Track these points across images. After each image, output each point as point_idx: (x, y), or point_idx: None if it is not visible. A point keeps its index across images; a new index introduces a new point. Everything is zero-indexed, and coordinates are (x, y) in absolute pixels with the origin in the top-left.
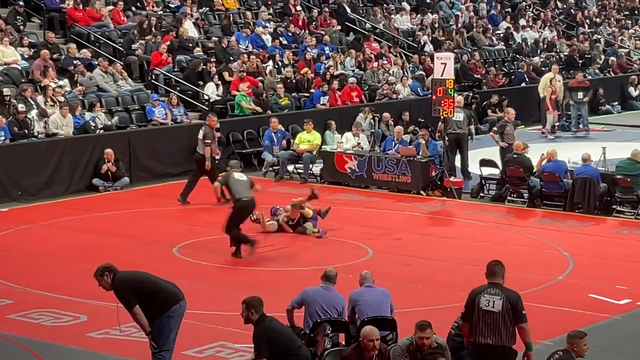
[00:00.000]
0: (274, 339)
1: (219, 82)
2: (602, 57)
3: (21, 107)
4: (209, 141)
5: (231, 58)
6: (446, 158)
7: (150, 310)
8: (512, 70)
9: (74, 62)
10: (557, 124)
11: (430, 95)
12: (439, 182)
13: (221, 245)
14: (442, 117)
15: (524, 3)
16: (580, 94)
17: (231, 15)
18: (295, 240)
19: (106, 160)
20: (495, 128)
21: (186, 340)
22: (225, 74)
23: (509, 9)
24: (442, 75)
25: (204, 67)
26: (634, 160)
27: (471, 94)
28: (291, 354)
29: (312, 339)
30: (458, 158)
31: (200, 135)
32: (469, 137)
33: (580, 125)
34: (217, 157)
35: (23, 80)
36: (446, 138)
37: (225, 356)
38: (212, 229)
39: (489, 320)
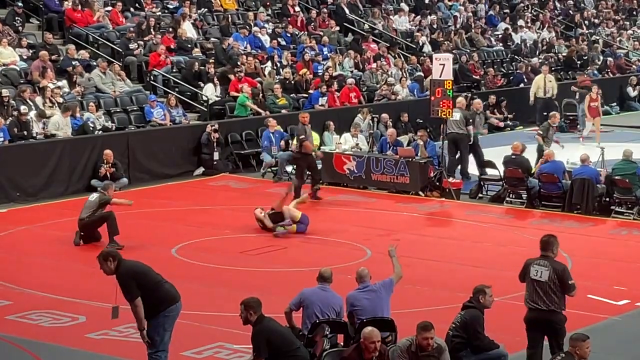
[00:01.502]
0: (272, 339)
1: (217, 83)
2: (601, 58)
3: (23, 108)
4: (303, 136)
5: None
6: (448, 159)
7: (148, 306)
8: (510, 71)
9: (73, 63)
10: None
11: (428, 96)
12: (437, 183)
13: (219, 246)
14: (444, 119)
15: (522, 4)
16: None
17: (229, 16)
18: (293, 241)
19: (105, 161)
20: (540, 132)
21: (185, 341)
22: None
23: (508, 10)
24: (440, 76)
25: (202, 67)
26: (629, 160)
27: (469, 95)
28: (290, 354)
29: (310, 340)
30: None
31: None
32: (469, 138)
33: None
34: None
35: (22, 81)
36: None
37: (224, 357)
38: (211, 230)
39: (538, 287)
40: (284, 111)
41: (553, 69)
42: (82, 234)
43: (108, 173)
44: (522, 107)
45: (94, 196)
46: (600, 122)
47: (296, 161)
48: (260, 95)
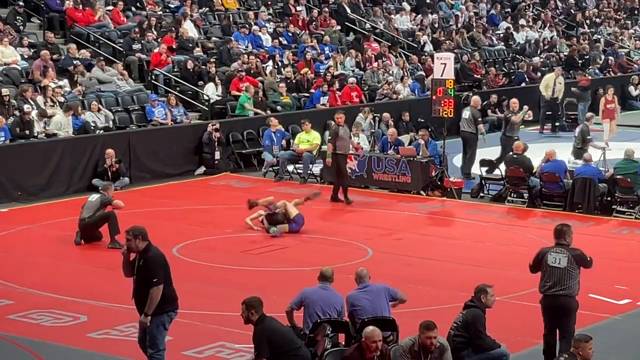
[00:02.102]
0: (273, 339)
1: (219, 82)
2: (602, 57)
3: (27, 107)
4: (331, 138)
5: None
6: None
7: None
8: (512, 70)
9: (74, 62)
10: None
11: (430, 96)
12: (439, 182)
13: (221, 245)
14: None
15: (523, 3)
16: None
17: (231, 15)
18: (295, 240)
19: (107, 158)
20: (575, 135)
21: (186, 341)
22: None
23: (509, 9)
24: (442, 76)
25: (203, 67)
26: (630, 159)
27: (471, 94)
28: (291, 354)
29: (312, 339)
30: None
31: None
32: (478, 137)
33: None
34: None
35: (23, 81)
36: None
37: (225, 356)
38: (212, 229)
39: (556, 274)
40: (279, 108)
41: (554, 68)
42: (82, 234)
43: (114, 168)
44: (523, 106)
45: (94, 197)
46: (616, 124)
47: (335, 162)
48: (261, 94)
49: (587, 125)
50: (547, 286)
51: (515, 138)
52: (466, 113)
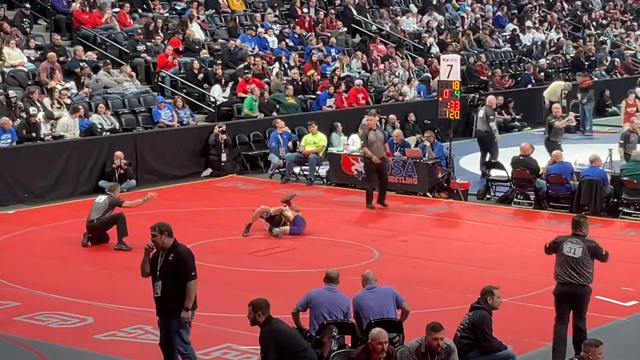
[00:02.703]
0: (280, 340)
1: (224, 84)
2: (609, 58)
3: (33, 110)
4: (364, 142)
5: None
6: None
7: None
8: (518, 72)
9: (81, 64)
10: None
11: (436, 97)
12: (445, 184)
13: (227, 247)
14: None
15: (530, 5)
16: (591, 91)
17: (237, 17)
18: (301, 242)
19: (116, 159)
20: (621, 141)
21: (193, 342)
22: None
23: (515, 11)
24: (448, 77)
25: (209, 68)
26: (637, 161)
27: (477, 96)
28: (298, 355)
29: (318, 341)
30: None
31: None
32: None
33: (587, 127)
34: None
35: (29, 83)
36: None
37: (232, 358)
38: (218, 231)
39: (571, 263)
40: (281, 109)
41: (561, 70)
42: (90, 235)
43: (122, 169)
44: (530, 107)
45: (101, 198)
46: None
47: (366, 166)
48: (267, 94)
49: (629, 130)
50: (561, 274)
51: (559, 143)
52: (481, 112)
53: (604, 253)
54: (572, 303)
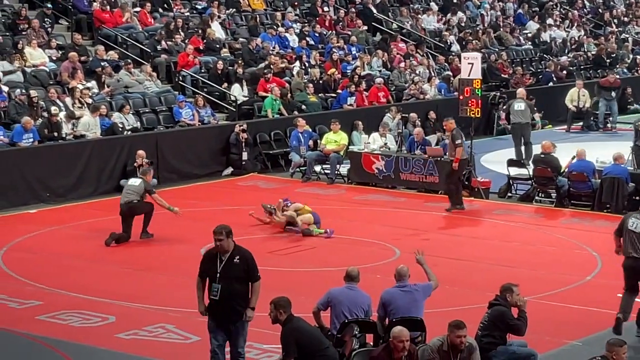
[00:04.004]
0: (301, 339)
1: (245, 83)
2: (631, 56)
3: (54, 109)
4: (459, 141)
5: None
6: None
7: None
8: (539, 70)
9: (102, 64)
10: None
11: (457, 95)
12: (466, 182)
13: (248, 246)
14: (503, 107)
15: (551, 2)
16: (613, 93)
17: (258, 16)
18: (322, 241)
19: (138, 158)
20: None
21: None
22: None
23: (536, 8)
24: (469, 75)
25: (230, 67)
26: None
27: (498, 94)
28: (319, 354)
29: (339, 340)
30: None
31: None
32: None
33: (609, 124)
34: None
35: (51, 83)
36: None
37: (253, 357)
38: (239, 230)
39: (633, 238)
40: (304, 107)
41: (582, 67)
42: (124, 215)
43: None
44: (551, 105)
45: (137, 181)
46: None
47: (460, 168)
48: (289, 95)
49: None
50: (626, 248)
51: None
52: (520, 105)
53: None
54: (638, 277)
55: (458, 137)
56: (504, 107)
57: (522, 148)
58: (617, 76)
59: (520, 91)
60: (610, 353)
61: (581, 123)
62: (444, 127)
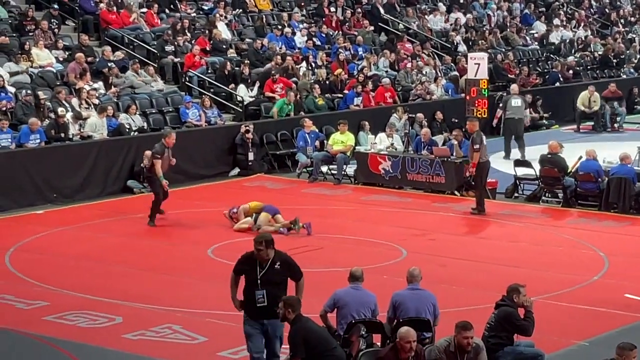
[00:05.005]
0: (309, 339)
1: (250, 83)
2: (637, 56)
3: (61, 110)
4: (478, 146)
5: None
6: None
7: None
8: (546, 70)
9: (109, 64)
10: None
11: (463, 96)
12: (473, 183)
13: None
14: (499, 104)
15: (557, 2)
16: (615, 104)
17: (264, 16)
18: (328, 241)
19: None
20: None
21: (221, 341)
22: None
23: (543, 9)
24: (475, 76)
25: (236, 68)
26: None
27: (504, 94)
28: (326, 354)
29: (346, 340)
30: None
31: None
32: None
33: (616, 125)
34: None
35: (58, 83)
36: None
37: None
38: (247, 231)
39: None
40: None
41: (589, 67)
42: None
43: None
44: (558, 105)
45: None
46: None
47: (477, 171)
48: (297, 96)
49: None
50: None
51: None
52: (517, 101)
53: None
54: None
55: (478, 140)
56: (500, 104)
57: (511, 143)
58: (622, 76)
59: (514, 87)
60: (621, 356)
61: (590, 123)
62: (467, 127)
